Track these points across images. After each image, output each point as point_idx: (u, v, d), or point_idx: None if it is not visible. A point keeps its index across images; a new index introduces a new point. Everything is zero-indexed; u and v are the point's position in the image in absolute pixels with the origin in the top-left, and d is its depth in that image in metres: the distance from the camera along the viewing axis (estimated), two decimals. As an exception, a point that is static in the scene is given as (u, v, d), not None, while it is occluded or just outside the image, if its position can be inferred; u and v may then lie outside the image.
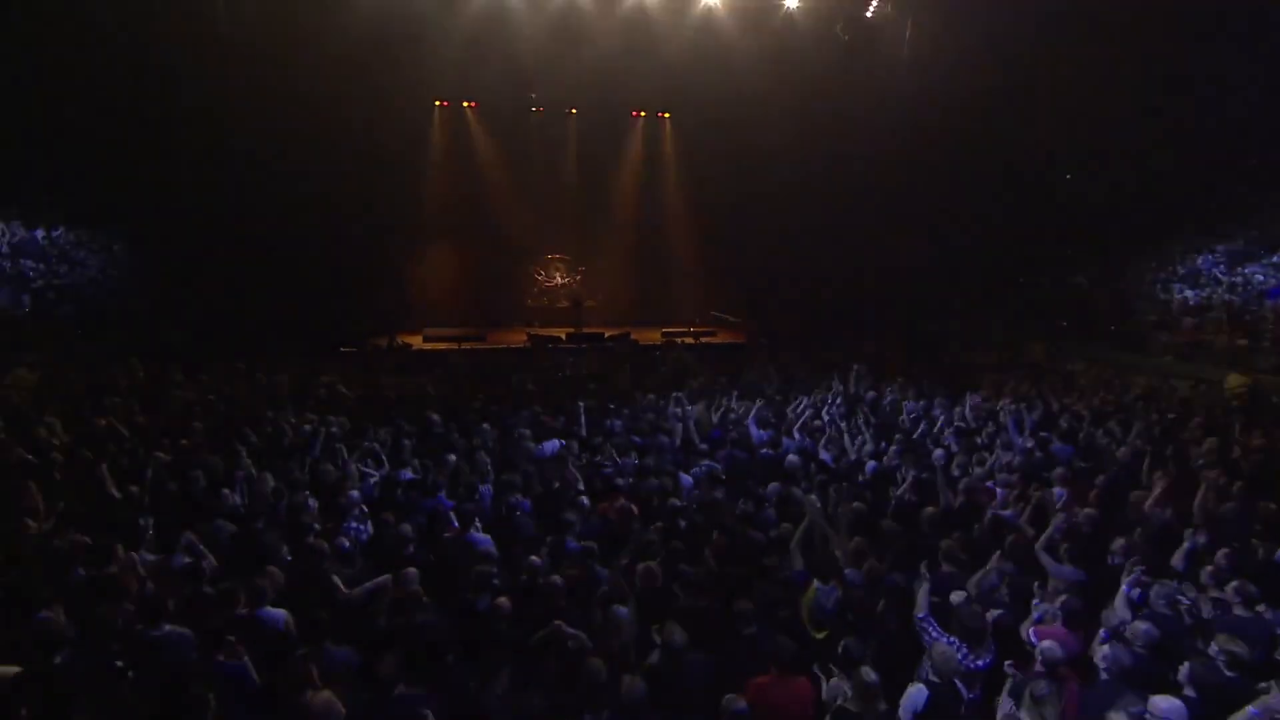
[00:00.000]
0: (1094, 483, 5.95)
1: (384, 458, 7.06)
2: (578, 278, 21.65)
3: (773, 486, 6.22)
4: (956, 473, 6.74)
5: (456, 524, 5.61)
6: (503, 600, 4.15)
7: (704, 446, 7.57)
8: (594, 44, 18.04)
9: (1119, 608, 3.94)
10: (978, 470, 6.60)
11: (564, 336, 17.05)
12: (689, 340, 17.17)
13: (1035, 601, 4.29)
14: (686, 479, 6.85)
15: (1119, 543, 4.57)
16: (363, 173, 18.13)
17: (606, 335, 17.22)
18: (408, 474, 6.68)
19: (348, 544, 4.90)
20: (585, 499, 5.83)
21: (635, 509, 5.99)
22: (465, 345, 15.48)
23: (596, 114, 20.97)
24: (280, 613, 4.26)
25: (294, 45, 16.15)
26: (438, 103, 20.47)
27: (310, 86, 16.77)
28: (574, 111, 21.26)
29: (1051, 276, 19.88)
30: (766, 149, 18.93)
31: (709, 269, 21.35)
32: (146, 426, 8.30)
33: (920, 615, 3.88)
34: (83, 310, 16.09)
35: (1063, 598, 3.99)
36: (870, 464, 6.97)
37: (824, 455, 7.37)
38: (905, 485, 6.28)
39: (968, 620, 3.79)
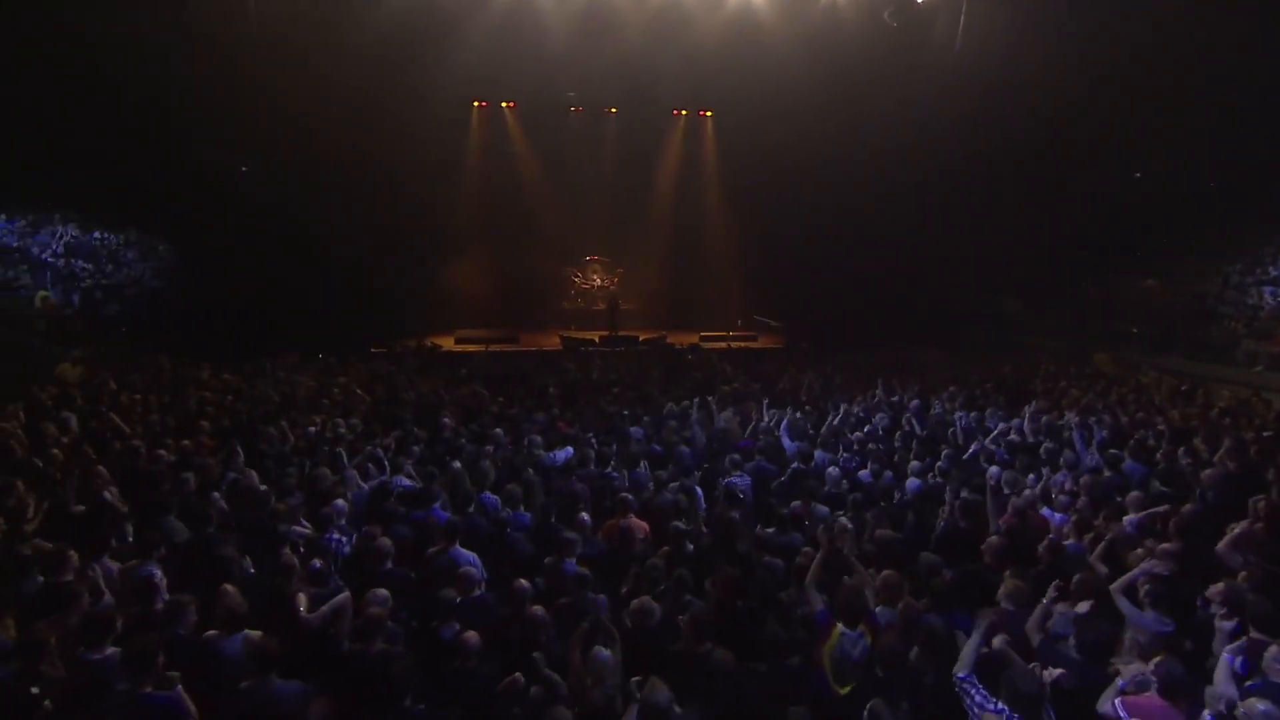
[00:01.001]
0: (1178, 510, 5.08)
1: (385, 463, 6.66)
2: (615, 280, 21.22)
3: (797, 505, 5.54)
4: (1007, 493, 5.93)
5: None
6: (470, 634, 3.63)
7: (736, 458, 6.92)
8: (633, 40, 17.51)
9: (1220, 682, 3.13)
10: (1030, 493, 5.76)
11: (597, 339, 16.58)
12: (724, 345, 16.43)
13: (1116, 659, 3.51)
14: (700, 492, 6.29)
15: (1215, 589, 3.75)
16: (401, 175, 18.13)
17: (641, 339, 16.70)
18: (404, 482, 6.25)
19: (318, 564, 4.46)
20: (587, 515, 5.25)
21: (647, 528, 5.42)
22: (494, 348, 15.14)
23: (636, 113, 20.61)
24: (237, 635, 3.83)
25: (331, 48, 16.16)
26: (476, 103, 20.40)
27: (348, 88, 16.83)
28: (613, 111, 20.92)
29: (1118, 280, 18.50)
30: (811, 146, 18.12)
31: (751, 272, 20.63)
32: (160, 425, 8.14)
33: (961, 675, 3.18)
34: (127, 308, 16.50)
35: (1157, 659, 3.18)
36: (913, 482, 6.22)
37: (863, 472, 6.65)
38: (951, 508, 5.52)
39: (1021, 683, 3.07)
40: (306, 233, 17.14)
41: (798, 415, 8.29)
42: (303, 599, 4.06)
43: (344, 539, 5.16)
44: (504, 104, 20.58)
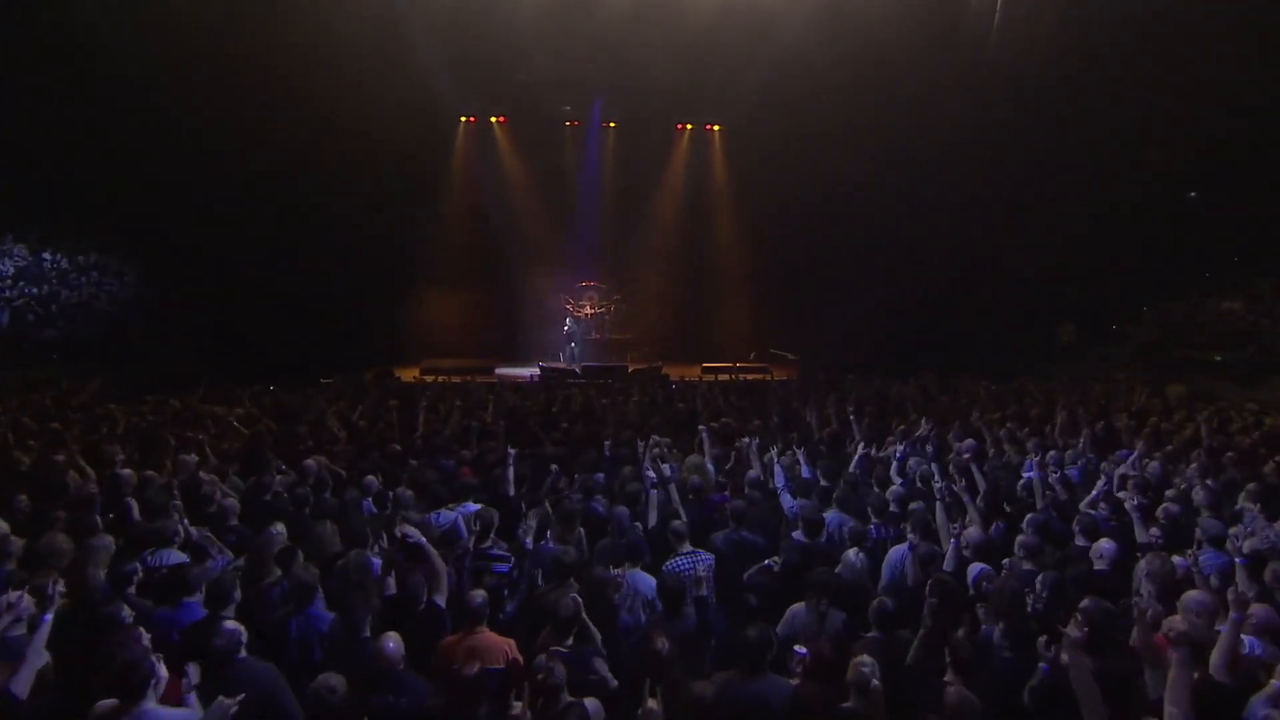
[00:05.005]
0: None
1: (181, 527, 4.46)
2: (611, 307, 19.17)
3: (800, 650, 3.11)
4: (1146, 589, 3.48)
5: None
6: None
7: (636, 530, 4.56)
8: (634, 48, 15.66)
9: None
10: (1191, 597, 3.28)
11: (578, 370, 14.39)
12: (729, 377, 14.06)
13: None
14: (647, 581, 3.95)
15: None
16: (381, 196, 16.68)
17: (631, 369, 14.48)
18: (174, 556, 4.03)
19: None
20: (393, 644, 2.91)
21: (509, 650, 3.14)
22: (456, 378, 12.98)
23: (637, 126, 19.09)
24: None
25: (307, 61, 14.62)
26: (463, 119, 18.90)
27: (327, 103, 15.27)
28: (613, 125, 19.29)
29: (1190, 302, 15.97)
30: (828, 151, 16.00)
31: (766, 300, 18.50)
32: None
33: None
34: (68, 332, 15.14)
35: None
36: (977, 569, 3.81)
37: (897, 549, 4.24)
38: (1050, 625, 3.10)
39: None
40: (277, 258, 15.82)
41: (796, 455, 5.92)
42: None
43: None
44: (493, 119, 19.05)
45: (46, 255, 16.47)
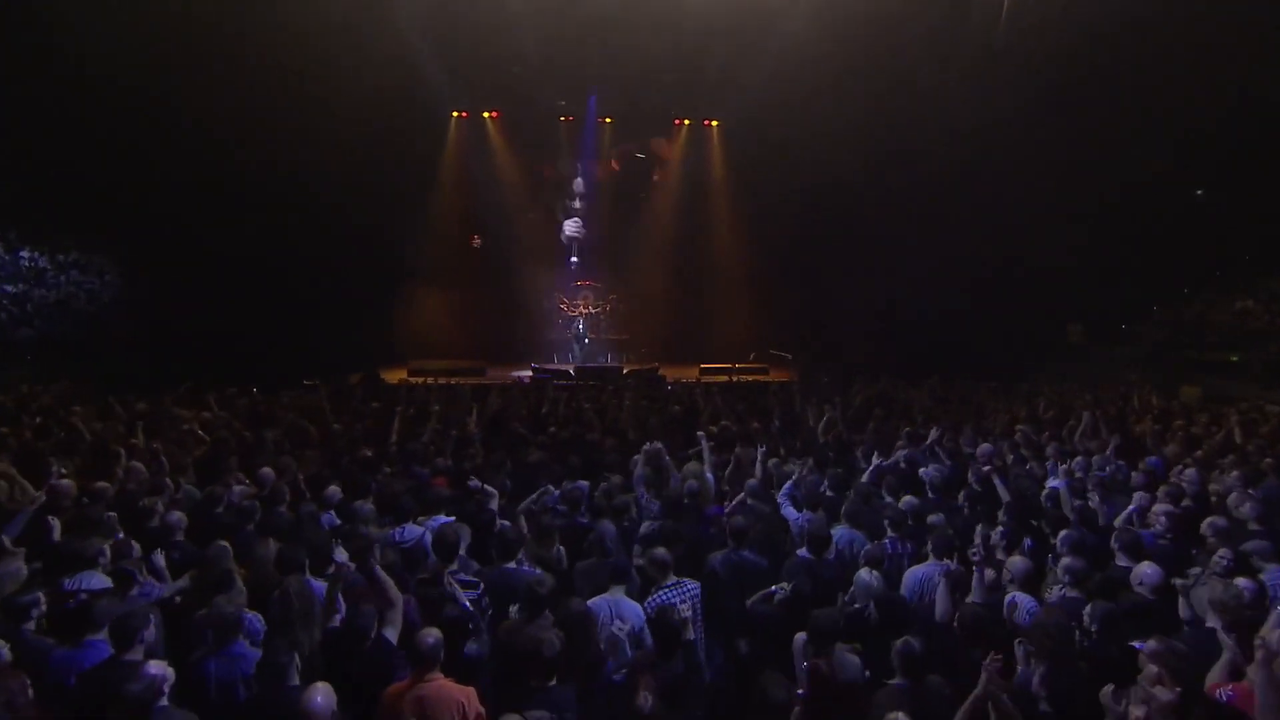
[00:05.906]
0: None
1: (108, 546, 3.96)
2: (607, 307, 18.71)
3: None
4: (1211, 621, 2.99)
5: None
6: None
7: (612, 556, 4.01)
8: (631, 41, 15.13)
9: None
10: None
11: (571, 371, 13.88)
12: (727, 378, 13.56)
13: None
14: (634, 610, 3.44)
15: None
16: (373, 192, 16.21)
17: (626, 370, 13.97)
18: (96, 580, 3.53)
19: None
20: (320, 698, 2.38)
21: (466, 702, 2.64)
22: (443, 380, 12.48)
23: (634, 122, 18.68)
24: None
25: (297, 60, 14.10)
26: (455, 114, 18.45)
27: (316, 99, 14.76)
28: (608, 120, 18.82)
29: (1203, 302, 15.53)
30: (829, 147, 15.50)
31: (765, 300, 18.04)
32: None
33: None
34: (45, 331, 14.66)
35: None
36: (1021, 602, 3.29)
37: (917, 570, 3.74)
38: (1106, 668, 2.61)
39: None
40: (263, 257, 15.33)
41: (797, 463, 5.42)
42: None
43: None
44: (486, 114, 18.63)
45: (24, 253, 15.99)
